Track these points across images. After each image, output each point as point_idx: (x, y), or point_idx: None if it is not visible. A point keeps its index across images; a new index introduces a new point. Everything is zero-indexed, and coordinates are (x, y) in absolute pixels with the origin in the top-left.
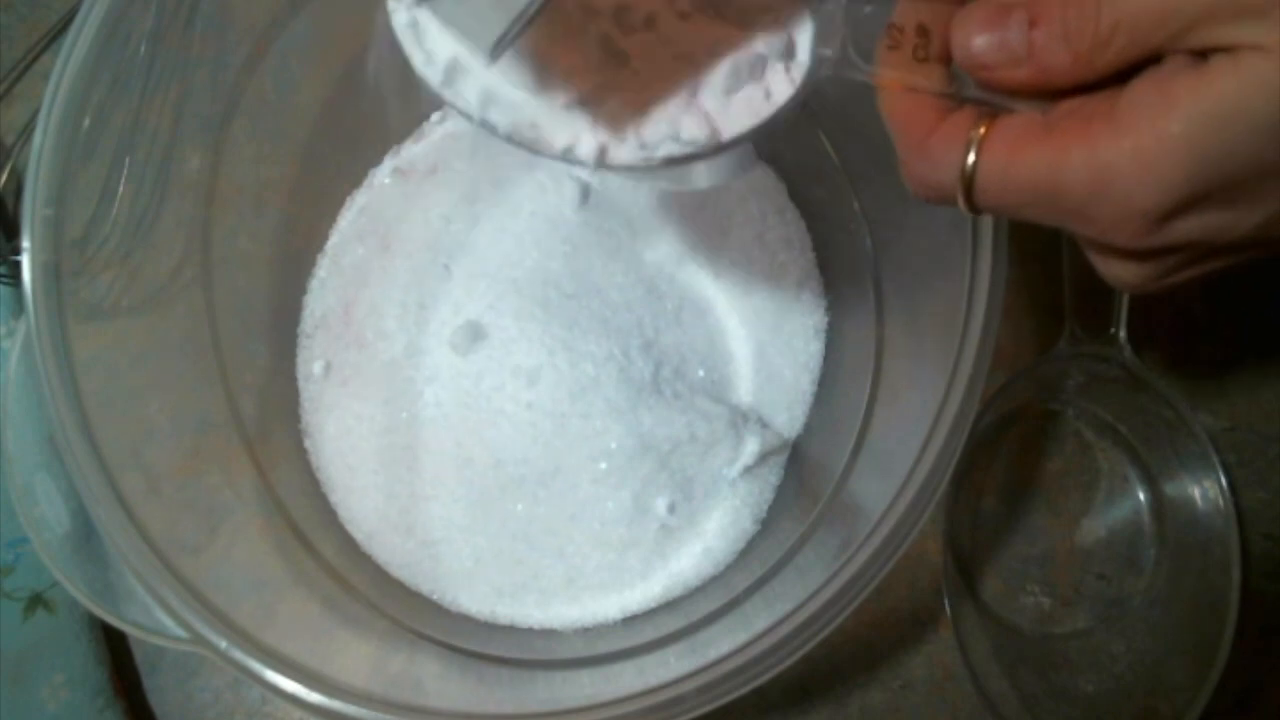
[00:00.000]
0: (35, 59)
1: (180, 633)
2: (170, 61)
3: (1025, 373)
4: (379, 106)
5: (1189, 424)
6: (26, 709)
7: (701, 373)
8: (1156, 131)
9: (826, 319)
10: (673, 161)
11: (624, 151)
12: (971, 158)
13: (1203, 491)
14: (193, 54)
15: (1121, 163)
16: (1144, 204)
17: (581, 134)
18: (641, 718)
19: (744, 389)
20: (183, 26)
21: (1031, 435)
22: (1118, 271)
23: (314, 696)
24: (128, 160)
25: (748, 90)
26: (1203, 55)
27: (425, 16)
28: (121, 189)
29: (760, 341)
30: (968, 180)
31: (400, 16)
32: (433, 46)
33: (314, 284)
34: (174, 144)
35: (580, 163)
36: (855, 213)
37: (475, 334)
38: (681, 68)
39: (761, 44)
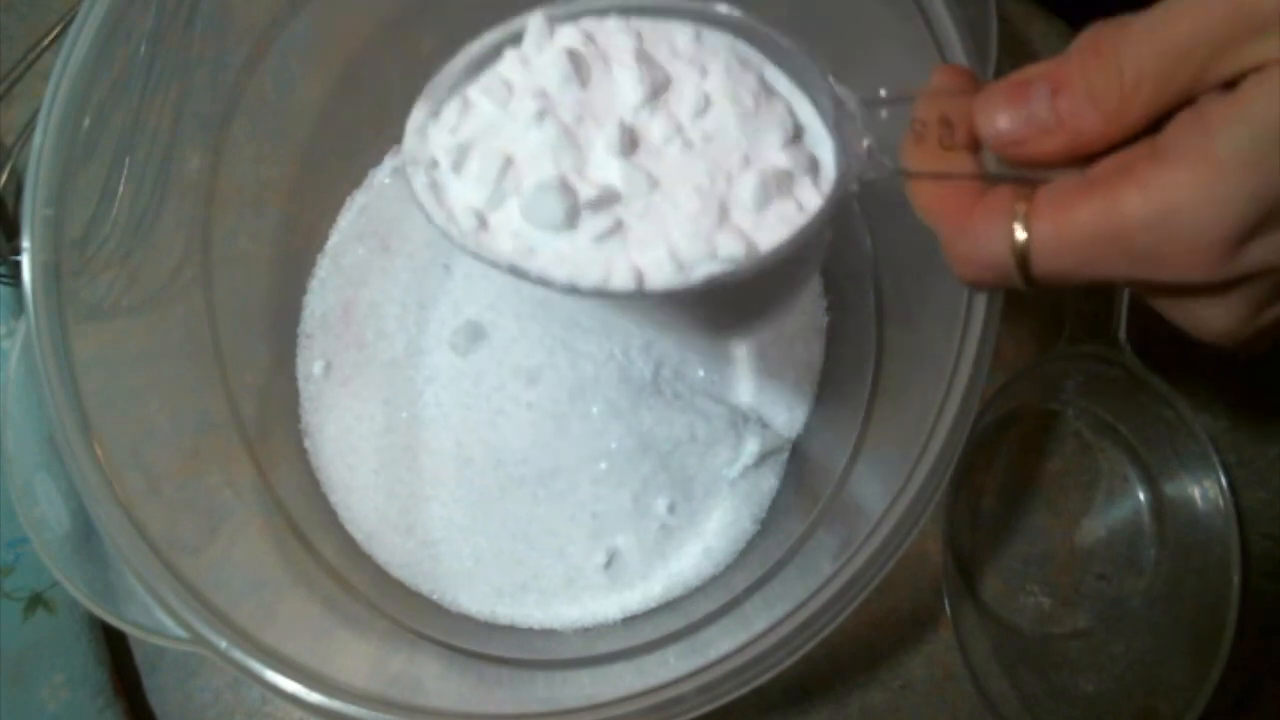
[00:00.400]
0: (35, 59)
1: (180, 633)
2: (170, 61)
3: (1025, 373)
4: (379, 106)
5: (1189, 424)
6: (26, 709)
7: (701, 373)
8: (1206, 157)
9: (826, 319)
10: (713, 281)
11: (662, 276)
12: (1021, 233)
13: (1203, 491)
14: (193, 54)
15: (1181, 195)
16: (1213, 230)
17: (615, 264)
18: (641, 718)
19: (744, 389)
20: (183, 26)
21: (1031, 435)
22: (1206, 316)
23: (314, 696)
24: (128, 160)
25: (778, 205)
26: (1232, 85)
27: (445, 178)
28: (121, 189)
29: (760, 341)
30: (1021, 254)
31: (419, 179)
32: (453, 204)
33: (314, 284)
34: (174, 144)
35: (618, 295)
36: (855, 213)
37: (475, 334)
38: (710, 188)
39: (786, 160)
